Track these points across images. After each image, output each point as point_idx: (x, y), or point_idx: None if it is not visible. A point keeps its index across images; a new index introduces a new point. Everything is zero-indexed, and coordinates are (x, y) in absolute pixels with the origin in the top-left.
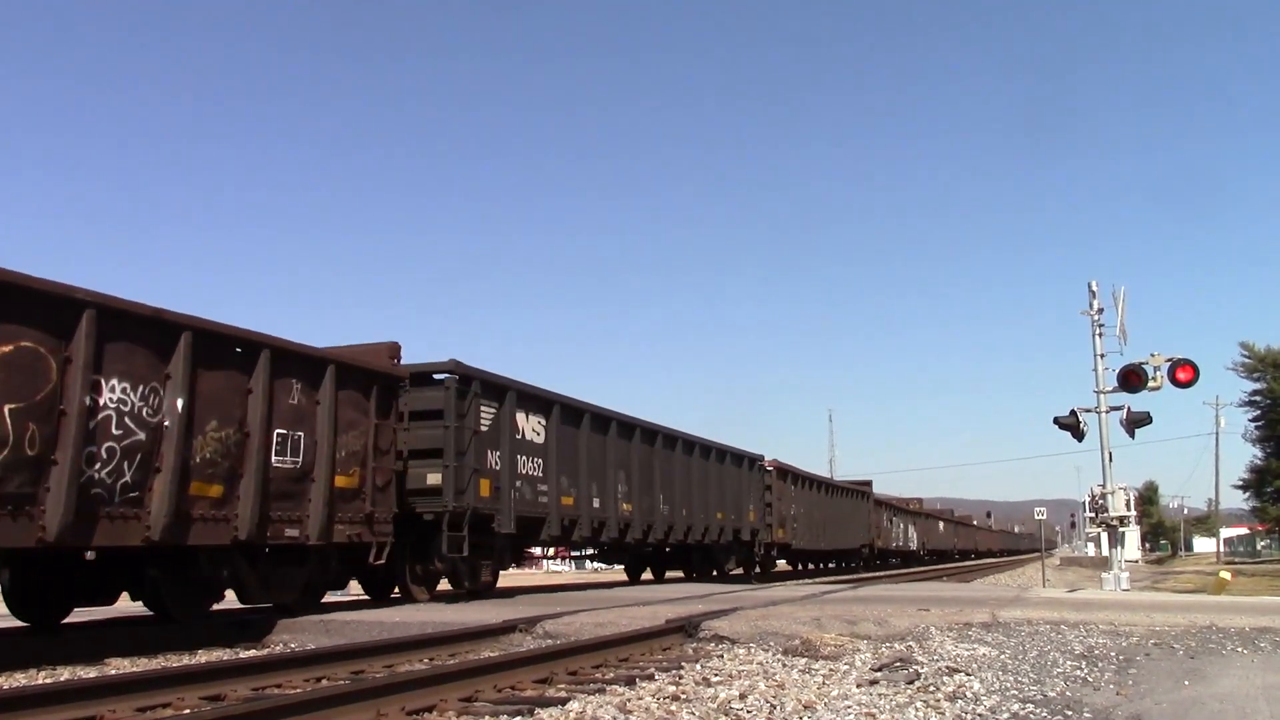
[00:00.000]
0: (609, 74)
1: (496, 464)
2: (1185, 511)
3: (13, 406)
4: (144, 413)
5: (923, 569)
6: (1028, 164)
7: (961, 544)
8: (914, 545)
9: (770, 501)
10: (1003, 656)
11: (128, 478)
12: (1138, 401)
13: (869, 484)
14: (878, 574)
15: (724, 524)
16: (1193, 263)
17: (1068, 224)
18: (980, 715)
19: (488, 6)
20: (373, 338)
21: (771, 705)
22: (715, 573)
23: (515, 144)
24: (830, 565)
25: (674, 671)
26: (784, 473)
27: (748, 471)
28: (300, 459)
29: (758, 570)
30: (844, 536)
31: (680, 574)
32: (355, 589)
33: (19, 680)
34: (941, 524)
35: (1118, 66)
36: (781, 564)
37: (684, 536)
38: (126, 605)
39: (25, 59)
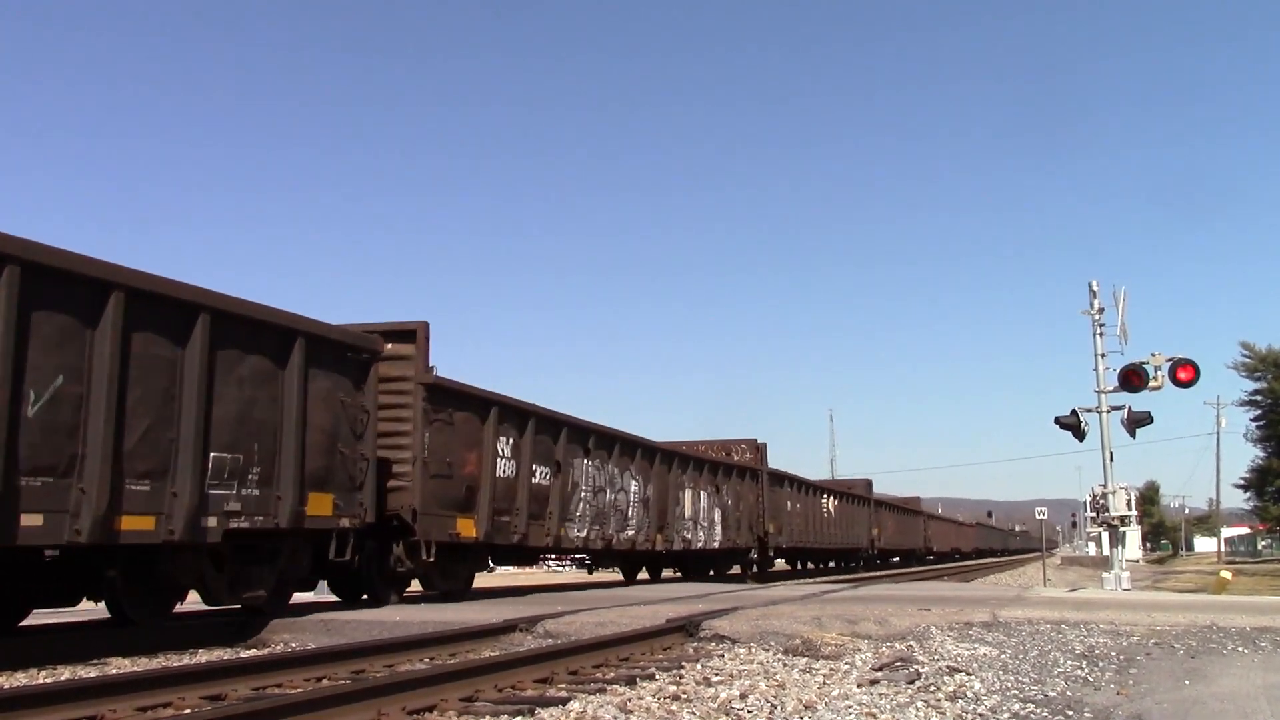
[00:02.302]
0: (608, 74)
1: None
2: (1186, 511)
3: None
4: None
5: (909, 570)
6: (1028, 164)
7: (898, 540)
8: (730, 537)
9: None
10: (1003, 656)
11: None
12: (1139, 401)
13: (497, 396)
14: (876, 574)
15: None
16: (1193, 263)
17: (1068, 224)
18: (981, 715)
19: (487, 6)
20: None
21: (772, 705)
22: None
23: (514, 143)
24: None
25: (675, 671)
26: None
27: None
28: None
29: None
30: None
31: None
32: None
33: (19, 680)
34: (831, 500)
35: (1118, 66)
36: None
37: None
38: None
39: (25, 59)
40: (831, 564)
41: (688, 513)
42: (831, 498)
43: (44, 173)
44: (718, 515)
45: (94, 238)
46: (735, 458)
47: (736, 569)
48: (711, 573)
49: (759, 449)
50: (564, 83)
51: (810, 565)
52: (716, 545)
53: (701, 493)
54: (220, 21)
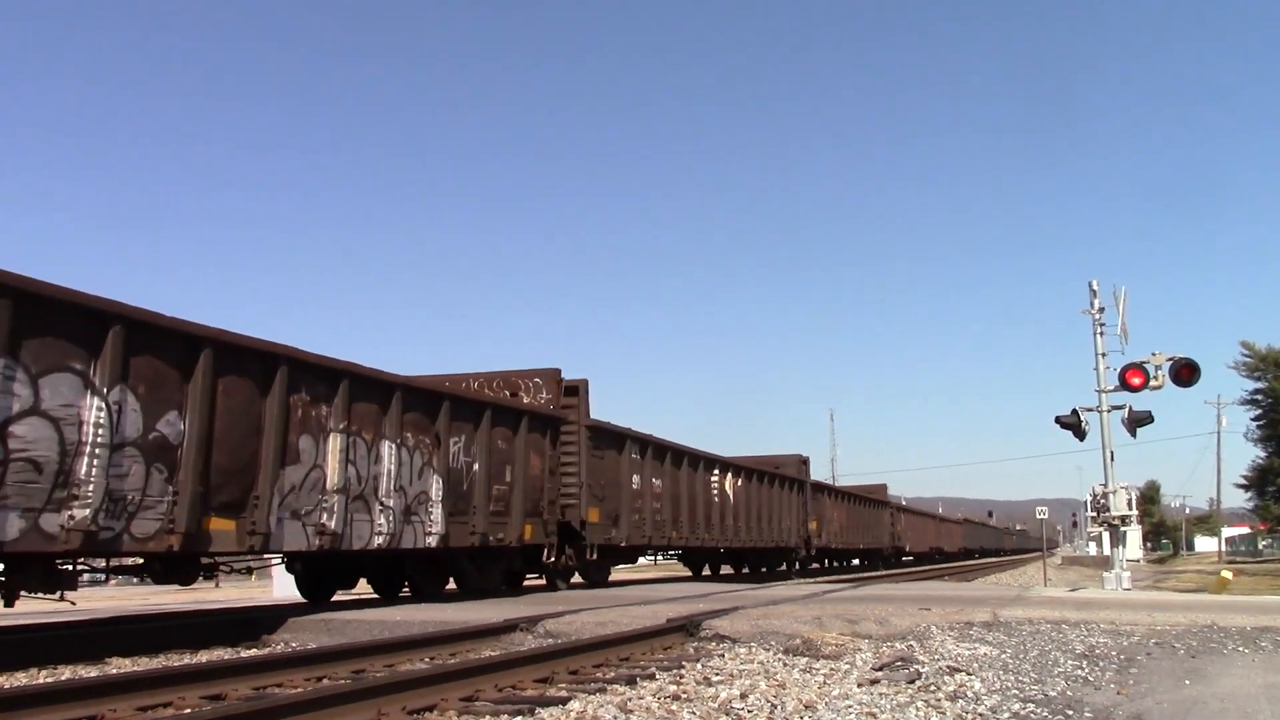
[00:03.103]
0: (608, 74)
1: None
2: (1187, 511)
3: None
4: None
5: (919, 569)
6: (1028, 164)
7: (851, 537)
8: (475, 525)
9: None
10: (1004, 656)
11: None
12: (1139, 400)
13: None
14: (878, 573)
15: None
16: (1193, 262)
17: (1068, 224)
18: (981, 715)
19: (488, 7)
20: (382, 337)
21: (772, 705)
22: None
23: (514, 143)
24: None
25: (675, 671)
26: None
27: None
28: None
29: None
30: None
31: None
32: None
33: (19, 680)
34: (732, 480)
35: (1118, 66)
36: None
37: None
38: (127, 604)
39: (25, 59)
40: (744, 569)
41: (333, 480)
42: (732, 476)
43: (41, 172)
44: (435, 488)
45: (94, 238)
46: (525, 399)
47: (540, 578)
48: (452, 585)
49: (561, 385)
50: (564, 83)
51: (730, 570)
52: (432, 540)
53: (386, 445)
54: (219, 21)
